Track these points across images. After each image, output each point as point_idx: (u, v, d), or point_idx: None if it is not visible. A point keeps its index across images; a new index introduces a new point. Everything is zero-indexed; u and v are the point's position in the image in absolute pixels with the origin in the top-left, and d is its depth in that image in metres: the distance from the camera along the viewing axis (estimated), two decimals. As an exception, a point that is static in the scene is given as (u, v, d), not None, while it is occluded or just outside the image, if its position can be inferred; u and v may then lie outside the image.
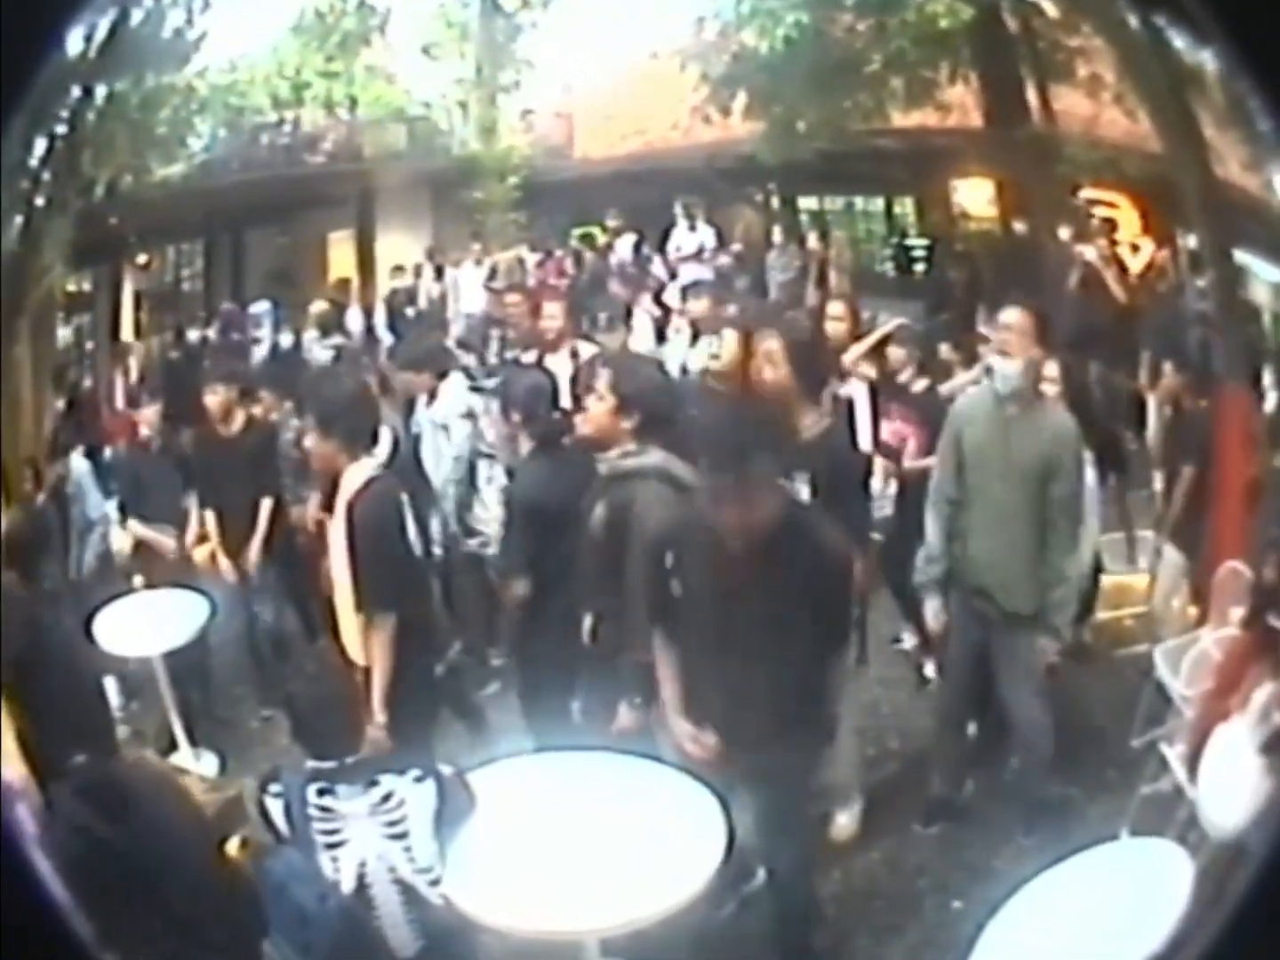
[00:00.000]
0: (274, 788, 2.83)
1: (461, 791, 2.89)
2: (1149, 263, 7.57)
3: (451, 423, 5.22)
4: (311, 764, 2.84)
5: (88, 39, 5.90)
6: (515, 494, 4.32)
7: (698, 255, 8.69)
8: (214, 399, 5.34)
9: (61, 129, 6.51)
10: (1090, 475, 4.15)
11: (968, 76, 7.84)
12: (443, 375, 5.35)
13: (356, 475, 3.68)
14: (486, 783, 2.99)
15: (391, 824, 2.78)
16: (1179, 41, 4.97)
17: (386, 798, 2.78)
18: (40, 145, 6.30)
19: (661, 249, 8.94)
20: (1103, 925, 2.36)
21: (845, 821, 4.09)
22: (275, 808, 2.83)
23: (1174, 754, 3.53)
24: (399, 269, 9.10)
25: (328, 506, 3.94)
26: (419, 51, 8.98)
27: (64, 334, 7.70)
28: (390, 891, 2.81)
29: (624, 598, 3.44)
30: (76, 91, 6.55)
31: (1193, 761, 3.10)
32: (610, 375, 3.57)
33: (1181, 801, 3.31)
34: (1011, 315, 3.83)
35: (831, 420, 4.11)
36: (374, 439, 3.94)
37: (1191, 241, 6.89)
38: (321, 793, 2.79)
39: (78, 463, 6.30)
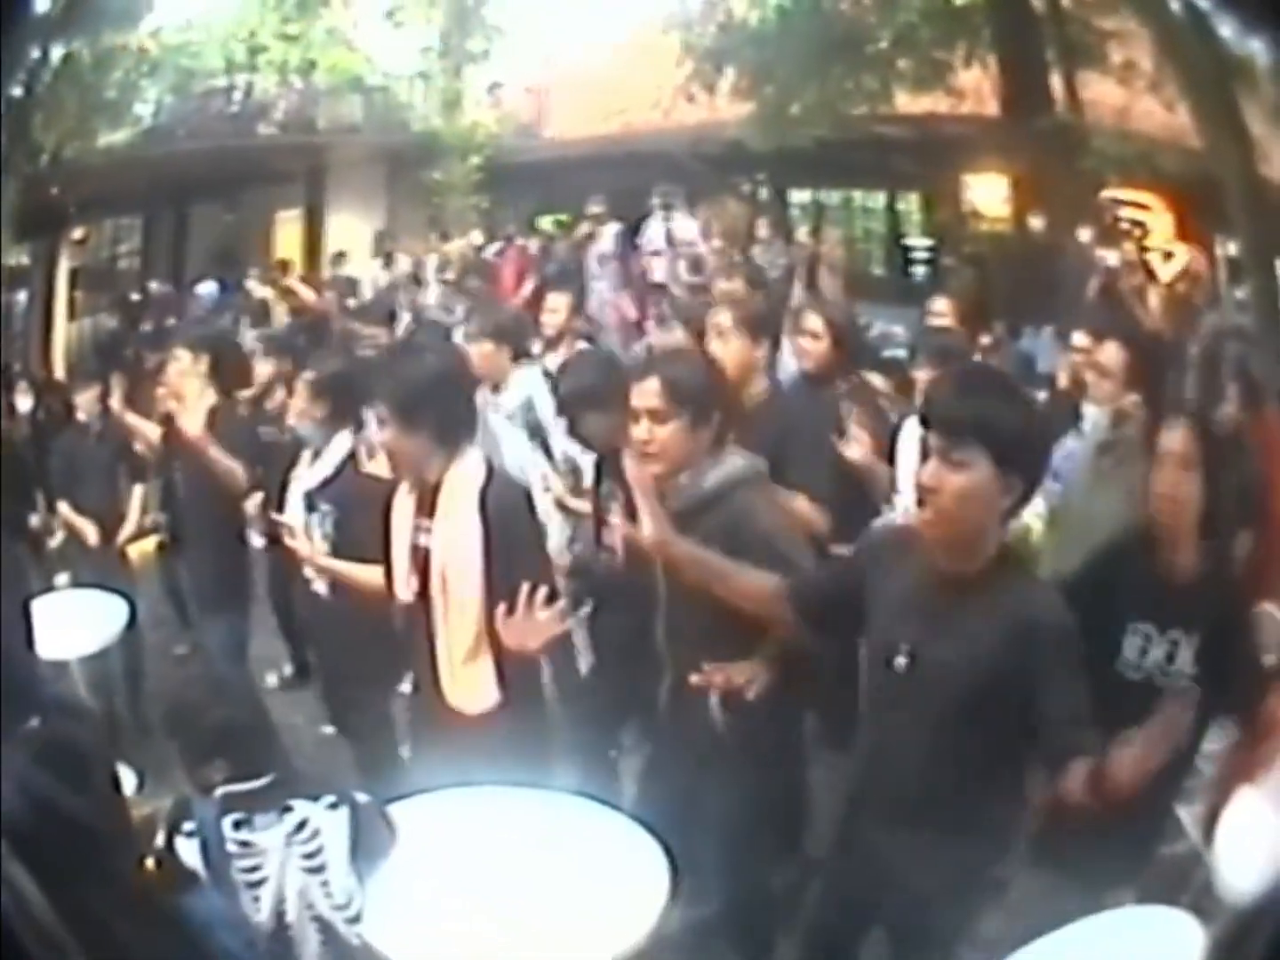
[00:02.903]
0: (187, 826, 2.79)
1: (379, 823, 2.87)
2: (1183, 271, 7.48)
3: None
4: (222, 790, 2.81)
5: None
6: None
7: (671, 249, 8.53)
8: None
9: (18, 92, 6.53)
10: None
11: (985, 59, 7.71)
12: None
13: (471, 470, 3.26)
14: (409, 815, 2.97)
15: (308, 855, 2.77)
16: (1225, 30, 5.05)
17: (301, 825, 2.77)
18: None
19: (634, 241, 8.77)
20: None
21: None
22: (190, 849, 2.78)
23: (1190, 815, 3.47)
24: (341, 255, 9.07)
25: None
26: (383, 16, 9.02)
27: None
28: (309, 930, 2.80)
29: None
30: (36, 53, 6.43)
31: (1210, 823, 2.95)
32: (664, 383, 3.02)
33: (1198, 866, 3.17)
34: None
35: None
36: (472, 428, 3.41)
37: (1231, 249, 6.83)
38: (238, 825, 2.77)
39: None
